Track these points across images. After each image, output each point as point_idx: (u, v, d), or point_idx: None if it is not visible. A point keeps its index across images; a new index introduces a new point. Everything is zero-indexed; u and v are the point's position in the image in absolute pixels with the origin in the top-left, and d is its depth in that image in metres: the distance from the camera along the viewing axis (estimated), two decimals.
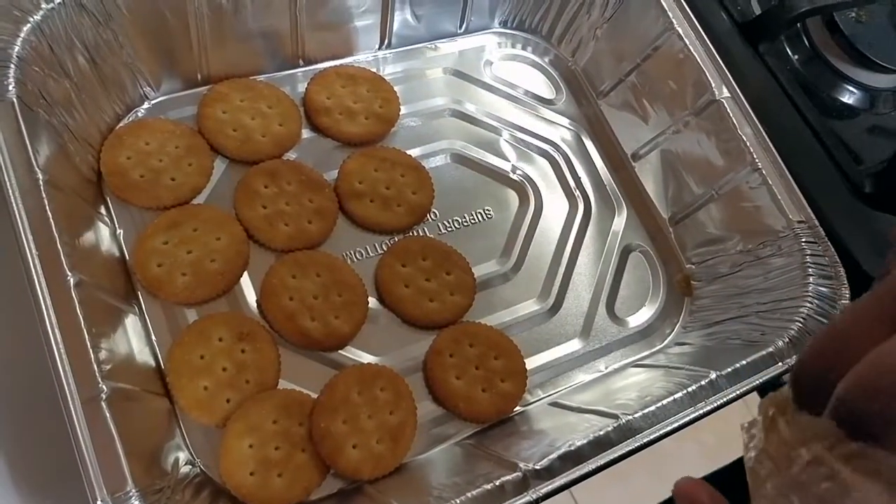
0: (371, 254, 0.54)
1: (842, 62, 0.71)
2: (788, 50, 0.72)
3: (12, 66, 0.43)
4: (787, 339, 0.50)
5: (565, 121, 0.66)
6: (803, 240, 0.53)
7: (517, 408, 0.51)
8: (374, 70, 0.61)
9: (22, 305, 0.38)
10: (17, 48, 0.43)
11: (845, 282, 0.52)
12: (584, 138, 0.65)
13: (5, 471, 0.44)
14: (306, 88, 0.58)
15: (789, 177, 0.55)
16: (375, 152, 0.57)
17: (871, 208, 0.62)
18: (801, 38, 0.72)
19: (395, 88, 0.60)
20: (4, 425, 0.45)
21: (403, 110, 0.60)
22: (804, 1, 0.66)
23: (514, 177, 0.61)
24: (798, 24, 0.71)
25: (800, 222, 0.54)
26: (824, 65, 0.71)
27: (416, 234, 0.56)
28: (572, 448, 0.42)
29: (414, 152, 0.59)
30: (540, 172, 0.62)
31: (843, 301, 0.51)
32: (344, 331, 0.49)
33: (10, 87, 0.42)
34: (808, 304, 0.52)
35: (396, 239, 0.55)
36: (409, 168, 0.57)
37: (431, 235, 0.56)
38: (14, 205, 0.39)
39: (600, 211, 0.62)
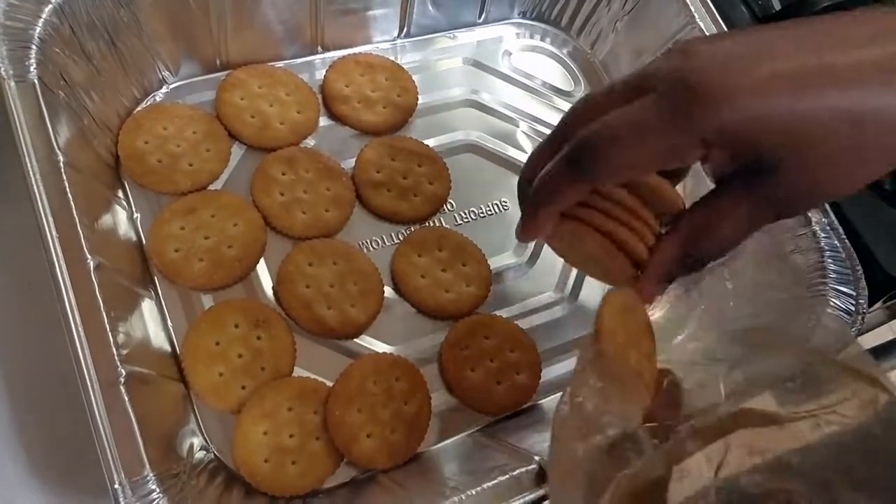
0: (387, 243, 0.54)
1: None
2: None
3: (34, 46, 0.43)
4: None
5: None
6: (822, 237, 0.53)
7: (532, 400, 0.51)
8: (392, 58, 0.61)
9: (42, 288, 0.38)
10: (38, 29, 0.43)
11: (863, 279, 0.52)
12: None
13: (24, 458, 0.44)
14: (324, 76, 0.58)
15: None
16: (393, 142, 0.56)
17: (891, 206, 0.61)
18: None
19: (414, 77, 0.60)
20: (24, 413, 0.45)
21: (421, 100, 0.60)
22: None
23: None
24: None
25: (818, 220, 0.53)
26: None
27: (432, 224, 0.56)
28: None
29: (431, 142, 0.58)
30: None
31: (861, 300, 0.51)
32: (360, 319, 0.49)
33: (32, 69, 0.42)
34: (825, 303, 0.52)
35: (412, 229, 0.55)
36: (426, 158, 0.56)
37: (447, 226, 0.56)
38: (35, 186, 0.39)
39: None
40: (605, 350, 0.33)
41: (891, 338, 0.67)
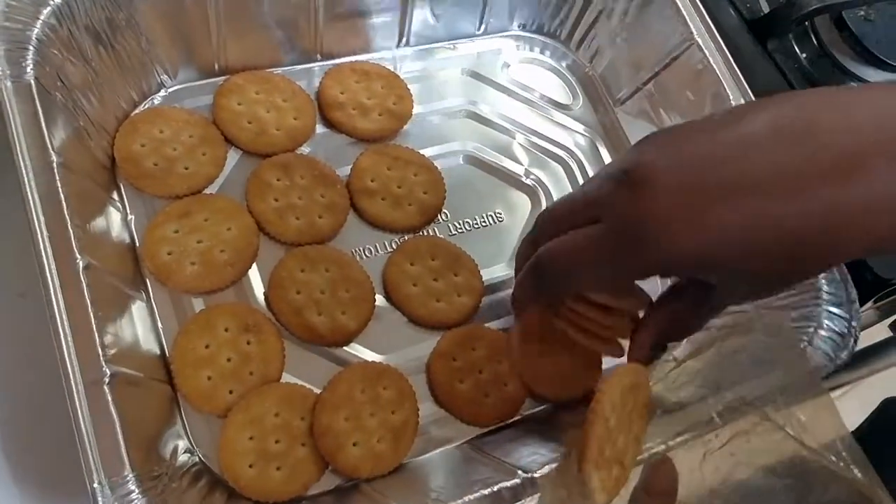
0: (380, 252, 0.54)
1: (850, 60, 0.71)
2: (797, 48, 0.71)
3: (31, 47, 0.43)
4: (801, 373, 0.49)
5: (581, 127, 0.65)
6: None
7: (520, 414, 0.51)
8: (391, 68, 0.61)
9: (31, 287, 0.38)
10: (36, 30, 0.44)
11: (856, 302, 0.52)
12: (598, 145, 0.65)
13: (3, 459, 0.44)
14: (320, 83, 0.58)
15: None
16: (388, 150, 0.56)
17: None
18: (809, 36, 0.72)
19: (412, 87, 0.60)
20: (6, 413, 0.45)
21: (419, 109, 0.60)
22: (814, 1, 0.66)
23: (527, 181, 0.61)
24: (806, 23, 0.71)
25: None
26: (832, 63, 0.71)
27: (426, 234, 0.56)
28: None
29: (427, 152, 0.58)
30: (553, 178, 0.62)
31: (854, 323, 0.51)
32: (350, 327, 0.49)
33: (29, 69, 0.42)
34: (819, 326, 0.51)
35: (406, 238, 0.55)
36: (422, 168, 0.56)
37: (441, 236, 0.56)
38: (27, 185, 0.39)
39: None
40: (570, 463, 0.36)
41: (882, 338, 0.67)
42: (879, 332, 0.68)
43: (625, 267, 0.33)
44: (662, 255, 0.31)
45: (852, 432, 0.44)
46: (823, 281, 0.52)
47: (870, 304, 0.60)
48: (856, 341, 0.50)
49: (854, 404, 0.60)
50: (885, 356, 0.69)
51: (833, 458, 0.38)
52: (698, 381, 0.43)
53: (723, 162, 0.30)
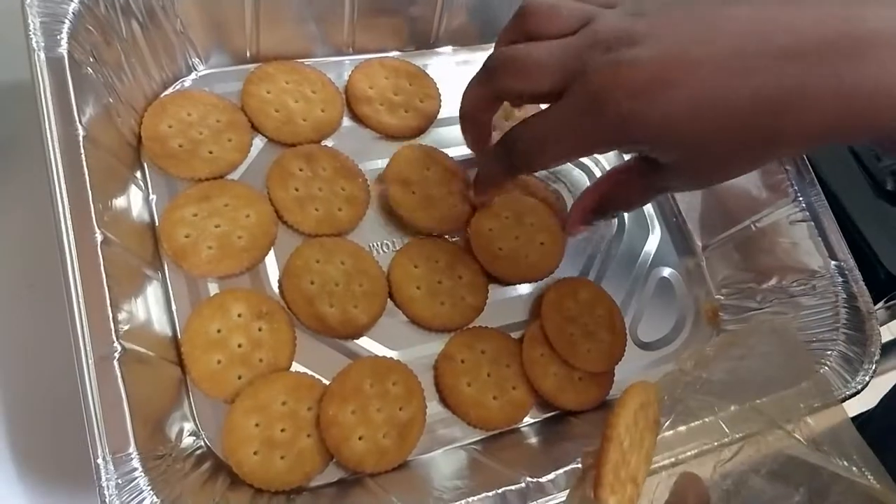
0: (397, 247, 0.54)
1: None
2: None
3: (67, 21, 0.43)
4: (811, 382, 0.49)
5: None
6: (839, 281, 0.52)
7: (527, 418, 0.51)
8: (421, 66, 0.61)
9: (41, 277, 0.38)
10: (73, 5, 0.44)
11: (878, 330, 0.51)
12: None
13: (7, 443, 0.45)
14: (349, 76, 0.58)
15: (831, 215, 0.54)
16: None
17: (892, 206, 0.61)
18: None
19: (441, 86, 0.60)
20: (14, 396, 0.46)
21: (448, 110, 0.60)
22: None
23: (549, 186, 0.60)
24: None
25: (837, 264, 0.53)
26: None
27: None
28: (580, 464, 0.42)
29: (452, 152, 0.58)
30: (575, 184, 0.61)
31: (872, 348, 0.50)
32: (361, 321, 0.49)
33: (63, 43, 0.43)
34: (836, 349, 0.51)
35: (408, 240, 0.54)
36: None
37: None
38: (51, 156, 0.39)
39: (633, 229, 0.61)
40: (585, 487, 0.36)
41: (890, 338, 0.66)
42: (891, 330, 0.67)
43: (592, 137, 0.37)
44: (628, 124, 0.35)
45: (860, 416, 0.44)
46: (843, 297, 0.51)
47: (881, 304, 0.59)
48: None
49: (860, 405, 0.59)
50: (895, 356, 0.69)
51: (846, 464, 0.37)
52: (706, 389, 0.42)
53: (700, 40, 0.34)
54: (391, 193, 0.53)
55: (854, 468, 0.37)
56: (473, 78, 0.44)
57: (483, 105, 0.44)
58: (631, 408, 0.36)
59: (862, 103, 0.32)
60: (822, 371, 0.49)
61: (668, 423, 0.41)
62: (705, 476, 0.38)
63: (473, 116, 0.46)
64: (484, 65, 0.42)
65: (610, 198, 0.46)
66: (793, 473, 0.38)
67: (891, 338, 0.68)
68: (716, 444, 0.41)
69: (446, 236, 0.55)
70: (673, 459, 0.40)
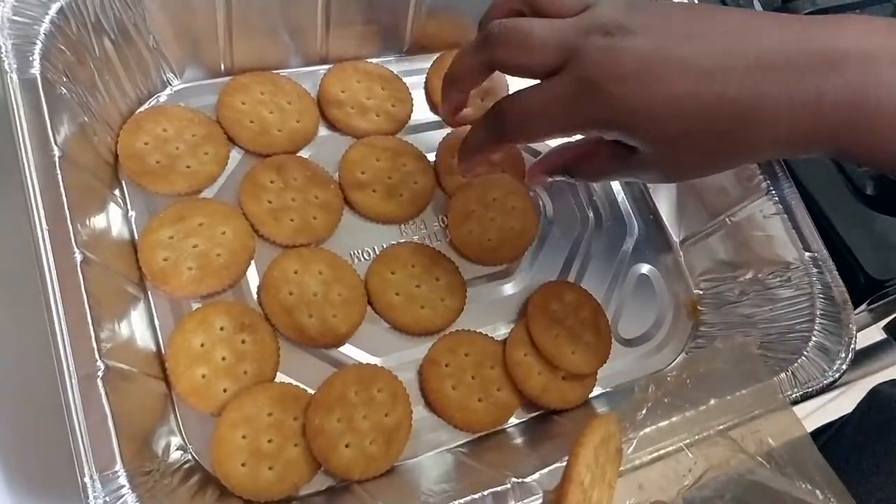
0: (376, 254, 0.54)
1: None
2: None
3: (38, 42, 0.43)
4: (790, 372, 0.50)
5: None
6: (814, 272, 0.53)
7: (513, 419, 0.51)
8: (395, 71, 0.61)
9: (26, 287, 0.38)
10: (44, 25, 0.44)
11: (853, 319, 0.52)
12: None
13: None
14: (322, 80, 0.58)
15: (804, 208, 0.55)
16: (377, 142, 0.57)
17: (872, 210, 0.62)
18: None
19: (414, 93, 0.60)
20: (1, 412, 0.46)
21: (420, 115, 0.60)
22: (807, 4, 0.66)
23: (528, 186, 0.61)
24: None
25: (811, 255, 0.53)
26: None
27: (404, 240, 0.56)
28: (564, 463, 0.42)
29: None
30: (554, 183, 0.62)
31: (847, 337, 0.51)
32: (340, 330, 0.49)
33: (35, 64, 0.43)
34: (813, 339, 0.52)
35: (384, 246, 0.55)
36: (411, 157, 0.57)
37: (440, 241, 0.56)
38: (28, 178, 0.39)
39: (611, 227, 0.62)
40: None
41: (876, 340, 0.67)
42: (873, 334, 0.68)
43: (580, 117, 0.39)
44: (615, 109, 0.37)
45: (839, 420, 0.44)
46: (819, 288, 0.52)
47: (863, 307, 0.60)
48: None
49: (847, 406, 0.60)
50: (878, 358, 0.70)
51: (809, 487, 0.38)
52: (666, 409, 0.43)
53: (689, 40, 0.36)
54: (354, 201, 0.54)
55: (818, 491, 0.38)
56: (468, 44, 0.43)
57: (475, 71, 0.44)
58: (590, 446, 0.37)
59: (832, 116, 0.34)
60: (776, 379, 0.50)
61: (630, 449, 0.42)
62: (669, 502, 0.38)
63: (461, 81, 0.45)
64: (483, 32, 0.42)
65: (580, 165, 0.46)
66: (756, 500, 0.39)
67: (874, 340, 0.70)
68: (680, 472, 0.41)
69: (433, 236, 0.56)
70: (637, 487, 0.41)
